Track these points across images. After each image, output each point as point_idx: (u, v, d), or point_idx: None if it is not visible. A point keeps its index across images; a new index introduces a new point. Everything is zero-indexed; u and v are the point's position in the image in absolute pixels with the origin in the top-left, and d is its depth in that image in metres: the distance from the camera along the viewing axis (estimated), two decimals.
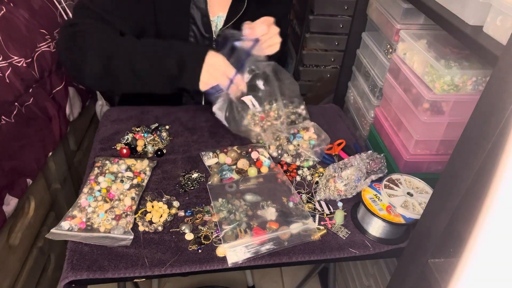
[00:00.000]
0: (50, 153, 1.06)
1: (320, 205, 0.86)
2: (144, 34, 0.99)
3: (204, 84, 0.92)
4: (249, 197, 0.84)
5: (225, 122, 1.00)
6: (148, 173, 0.89)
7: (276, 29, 0.96)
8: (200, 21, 1.03)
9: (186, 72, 0.90)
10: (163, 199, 0.83)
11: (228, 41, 0.96)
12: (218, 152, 0.96)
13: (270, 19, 0.96)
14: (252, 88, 1.02)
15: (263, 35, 0.94)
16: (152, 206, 0.81)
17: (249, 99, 0.99)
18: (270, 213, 0.81)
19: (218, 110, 0.99)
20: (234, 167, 0.93)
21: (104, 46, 0.88)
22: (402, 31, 0.94)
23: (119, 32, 0.94)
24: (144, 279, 0.71)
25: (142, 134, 1.00)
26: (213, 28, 1.06)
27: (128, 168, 0.89)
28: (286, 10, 1.27)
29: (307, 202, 0.87)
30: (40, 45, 1.02)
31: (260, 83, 1.02)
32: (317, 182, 0.91)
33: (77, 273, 0.68)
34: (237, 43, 0.95)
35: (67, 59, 0.92)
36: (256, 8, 1.07)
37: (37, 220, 1.04)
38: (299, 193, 0.88)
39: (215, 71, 0.91)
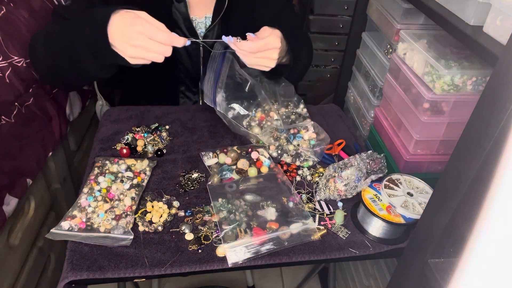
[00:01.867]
0: (50, 153, 1.06)
1: (320, 205, 0.86)
2: None
3: (129, 58, 0.77)
4: (249, 197, 0.84)
5: (224, 114, 0.98)
6: (148, 173, 0.89)
7: (272, 55, 0.88)
8: (183, 25, 1.02)
9: (96, 50, 0.78)
10: (163, 199, 0.83)
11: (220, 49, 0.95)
12: (218, 152, 0.96)
13: (272, 44, 0.87)
14: (249, 96, 1.02)
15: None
16: (152, 206, 0.81)
17: (237, 106, 0.99)
18: (270, 213, 0.81)
19: (219, 104, 0.98)
20: (234, 167, 0.93)
21: (45, 41, 0.87)
22: (402, 31, 0.94)
23: None
24: (144, 279, 0.72)
25: (142, 134, 1.00)
26: (201, 29, 1.05)
27: (128, 168, 0.89)
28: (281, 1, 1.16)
29: (307, 202, 0.87)
30: None
31: (257, 91, 1.03)
32: (317, 182, 0.91)
33: (77, 273, 0.68)
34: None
35: (30, 60, 0.94)
36: (242, 3, 1.05)
37: (37, 220, 1.04)
38: (299, 193, 0.88)
39: (125, 38, 0.73)
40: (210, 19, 1.05)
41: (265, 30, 0.88)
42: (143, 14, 0.74)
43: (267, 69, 0.91)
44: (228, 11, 1.02)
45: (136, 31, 0.72)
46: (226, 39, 0.85)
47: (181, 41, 0.76)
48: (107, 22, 0.74)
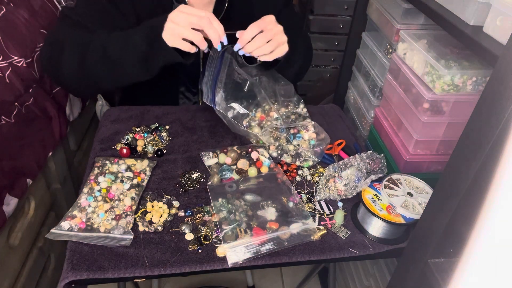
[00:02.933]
0: (50, 153, 1.06)
1: (320, 205, 0.86)
2: None
3: (176, 47, 0.84)
4: (249, 197, 0.84)
5: (224, 113, 0.98)
6: (148, 173, 0.89)
7: (277, 28, 0.90)
8: None
9: (154, 42, 0.85)
10: (163, 199, 0.83)
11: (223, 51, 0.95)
12: (218, 152, 0.96)
13: (269, 18, 0.90)
14: (248, 95, 1.02)
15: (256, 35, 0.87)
16: (152, 206, 0.81)
17: (236, 106, 0.99)
18: (270, 213, 0.81)
19: (218, 103, 0.98)
20: (234, 167, 0.93)
21: (79, 42, 0.89)
22: (402, 31, 0.94)
23: None
24: (144, 279, 0.71)
25: (142, 134, 1.00)
26: None
27: (128, 168, 0.89)
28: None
29: (307, 202, 0.87)
30: (40, 45, 1.01)
31: (256, 90, 1.03)
32: (317, 182, 0.91)
33: (77, 273, 0.68)
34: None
35: (47, 62, 0.95)
36: (242, 4, 1.05)
37: (37, 220, 1.04)
38: (299, 193, 0.88)
39: (175, 26, 0.82)
40: None
41: (256, 22, 0.88)
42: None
43: (283, 54, 0.92)
44: (228, 12, 1.02)
45: (177, 12, 0.83)
46: (236, 47, 0.88)
47: (220, 28, 0.84)
48: (162, 29, 0.83)
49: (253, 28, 0.86)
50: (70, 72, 0.92)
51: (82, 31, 0.92)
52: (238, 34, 0.87)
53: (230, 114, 0.99)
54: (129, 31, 0.88)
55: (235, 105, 0.99)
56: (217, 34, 0.83)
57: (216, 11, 1.02)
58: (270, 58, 0.90)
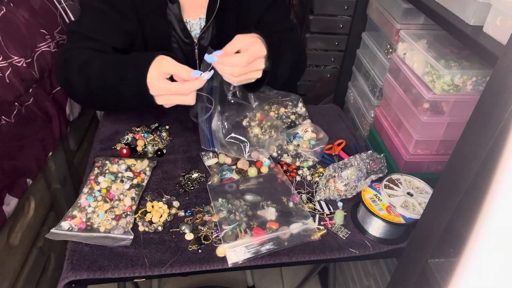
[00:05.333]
0: (50, 153, 1.06)
1: (320, 205, 0.86)
2: (134, 44, 1.01)
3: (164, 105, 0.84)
4: (249, 197, 0.84)
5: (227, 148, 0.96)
6: (148, 173, 0.89)
7: (259, 66, 0.83)
8: (177, 26, 1.03)
9: (145, 100, 0.83)
10: (163, 199, 0.83)
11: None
12: (218, 152, 0.96)
13: (259, 53, 0.82)
14: (244, 106, 1.02)
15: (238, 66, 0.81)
16: (152, 206, 0.81)
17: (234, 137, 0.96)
18: (270, 213, 0.81)
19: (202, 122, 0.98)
20: (234, 167, 0.93)
21: (83, 71, 0.89)
22: (402, 31, 0.94)
23: (110, 47, 0.96)
24: (144, 279, 0.72)
25: (142, 134, 1.00)
26: (196, 31, 1.05)
27: (128, 168, 0.89)
28: None
29: (307, 202, 0.87)
30: (40, 45, 1.01)
31: (251, 99, 1.02)
32: (317, 182, 0.91)
33: (77, 273, 0.68)
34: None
35: (62, 85, 0.98)
36: (234, 3, 1.03)
37: (37, 220, 1.04)
38: (299, 193, 0.88)
39: (165, 99, 0.82)
40: (204, 21, 1.04)
41: (238, 40, 0.82)
42: (166, 65, 0.80)
43: (253, 80, 0.86)
44: (221, 11, 1.02)
45: (161, 87, 0.80)
46: (208, 58, 0.80)
47: (201, 82, 0.79)
48: (146, 77, 0.81)
49: (241, 59, 0.80)
50: (82, 97, 0.95)
51: (90, 48, 0.93)
52: (223, 52, 0.81)
53: (232, 150, 0.96)
54: (118, 82, 0.85)
55: (233, 136, 0.97)
56: (184, 100, 0.81)
57: (210, 11, 1.02)
58: (234, 83, 0.86)
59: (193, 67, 1.10)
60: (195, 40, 1.04)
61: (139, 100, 0.86)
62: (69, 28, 0.99)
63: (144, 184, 0.86)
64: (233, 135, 0.96)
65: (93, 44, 0.93)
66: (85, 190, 0.83)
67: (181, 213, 0.81)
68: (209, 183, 0.88)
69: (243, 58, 0.80)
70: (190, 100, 0.80)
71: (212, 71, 0.79)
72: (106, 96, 0.90)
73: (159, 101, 0.82)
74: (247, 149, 0.94)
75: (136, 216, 0.79)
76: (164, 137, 1.00)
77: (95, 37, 0.94)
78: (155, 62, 0.81)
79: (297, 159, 0.97)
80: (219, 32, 1.04)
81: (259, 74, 0.85)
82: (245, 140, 0.95)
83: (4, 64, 0.89)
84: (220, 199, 0.83)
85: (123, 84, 0.84)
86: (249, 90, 0.97)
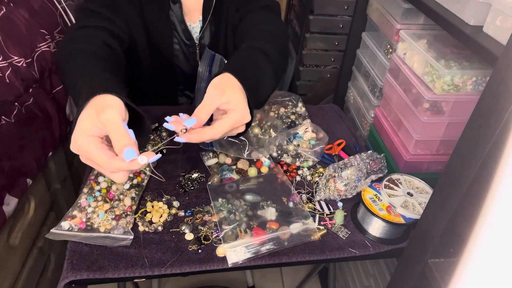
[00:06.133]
0: (50, 153, 1.06)
1: (320, 205, 0.86)
2: (137, 42, 1.00)
3: None
4: (249, 197, 0.84)
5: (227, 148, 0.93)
6: (148, 173, 0.89)
7: (240, 129, 0.71)
8: (179, 27, 1.02)
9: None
10: (163, 199, 0.83)
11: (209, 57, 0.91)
12: (218, 152, 0.96)
13: (239, 122, 0.68)
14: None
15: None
16: (152, 206, 0.81)
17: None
18: (270, 213, 0.81)
19: None
20: (234, 167, 0.93)
21: (63, 67, 0.79)
22: (402, 31, 0.94)
23: (117, 28, 0.91)
24: (144, 279, 0.71)
25: None
26: (197, 34, 1.05)
27: None
28: None
29: (307, 202, 0.87)
30: (40, 45, 1.01)
31: None
32: (317, 182, 0.91)
33: (77, 273, 0.68)
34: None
35: (57, 54, 0.88)
36: (228, 1, 1.02)
37: (37, 220, 1.03)
38: (299, 193, 0.88)
39: (78, 150, 0.59)
40: (202, 22, 1.05)
41: (212, 96, 0.66)
42: (107, 119, 0.58)
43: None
44: (216, 11, 1.02)
45: (82, 148, 0.59)
46: (177, 139, 0.66)
47: (135, 167, 0.58)
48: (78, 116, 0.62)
49: (216, 133, 0.66)
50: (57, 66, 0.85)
51: (94, 27, 0.87)
52: (198, 119, 0.66)
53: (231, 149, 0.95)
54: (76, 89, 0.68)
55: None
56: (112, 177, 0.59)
57: (205, 12, 1.02)
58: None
59: (195, 68, 1.11)
60: (196, 42, 1.04)
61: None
62: (78, 7, 0.94)
63: (144, 184, 0.86)
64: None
65: (103, 22, 0.89)
66: (85, 190, 0.83)
67: (181, 213, 0.81)
68: (209, 183, 0.88)
69: (219, 131, 0.66)
70: (120, 178, 0.59)
71: (158, 156, 0.60)
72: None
73: (81, 159, 0.61)
74: (246, 148, 0.94)
75: (136, 216, 0.79)
76: (164, 137, 1.00)
77: (106, 14, 0.90)
78: (95, 106, 0.59)
79: (297, 159, 0.97)
80: (217, 31, 1.05)
81: (242, 129, 0.71)
82: (244, 139, 0.95)
83: (4, 64, 0.89)
84: (220, 199, 0.83)
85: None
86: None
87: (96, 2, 0.93)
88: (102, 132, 0.58)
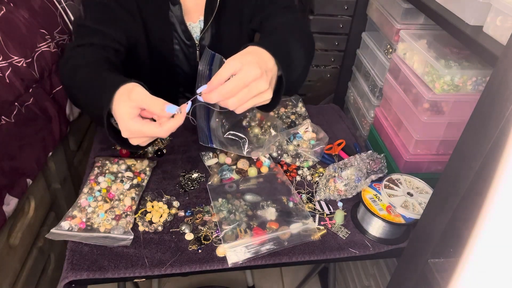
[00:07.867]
0: (50, 153, 1.06)
1: (320, 205, 0.86)
2: (136, 46, 1.00)
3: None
4: (249, 197, 0.84)
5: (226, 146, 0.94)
6: (148, 173, 0.89)
7: (258, 89, 0.67)
8: (179, 28, 1.02)
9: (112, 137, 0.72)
10: (163, 199, 0.83)
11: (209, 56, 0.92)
12: (218, 152, 0.96)
13: (246, 78, 0.66)
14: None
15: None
16: (152, 206, 0.81)
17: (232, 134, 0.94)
18: (270, 213, 0.81)
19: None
20: (234, 167, 0.93)
21: (70, 85, 0.85)
22: (402, 31, 0.94)
23: (116, 43, 0.93)
24: (144, 279, 0.72)
25: None
26: (197, 34, 1.05)
27: (128, 168, 0.89)
28: None
29: (307, 202, 0.86)
30: (40, 45, 1.01)
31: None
32: (317, 182, 0.91)
33: (77, 273, 0.68)
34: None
35: (61, 83, 0.97)
36: (233, 2, 1.02)
37: (37, 220, 1.03)
38: (299, 193, 0.88)
39: (130, 134, 0.67)
40: (203, 22, 1.04)
41: (228, 65, 0.67)
42: (137, 97, 0.65)
43: (262, 104, 0.71)
44: (219, 12, 1.02)
45: (133, 130, 0.66)
46: (200, 97, 0.68)
47: (181, 119, 0.66)
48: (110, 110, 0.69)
49: (225, 90, 0.66)
50: (70, 98, 0.93)
51: (94, 45, 0.89)
52: (209, 84, 0.67)
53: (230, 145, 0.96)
54: (90, 109, 0.76)
55: (230, 134, 0.96)
56: (178, 124, 0.66)
57: (208, 12, 1.02)
58: (236, 112, 0.71)
59: (195, 69, 1.11)
60: (197, 42, 1.04)
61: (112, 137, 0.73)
62: (76, 23, 0.97)
63: (144, 184, 0.86)
64: (232, 132, 0.96)
65: (99, 39, 0.90)
66: (85, 190, 0.83)
67: (181, 213, 0.81)
68: (209, 183, 0.88)
69: (227, 88, 0.65)
70: (165, 133, 0.66)
71: (190, 103, 0.66)
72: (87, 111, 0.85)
73: (133, 142, 0.69)
74: (245, 146, 0.94)
75: (136, 216, 0.79)
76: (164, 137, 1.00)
77: (102, 29, 0.92)
78: (123, 94, 0.66)
79: (297, 159, 0.97)
80: (218, 32, 1.04)
81: (268, 95, 0.69)
82: (244, 136, 0.95)
83: (4, 64, 0.89)
84: (220, 199, 0.83)
85: (91, 112, 0.75)
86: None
87: (93, 16, 0.94)
88: (137, 111, 0.65)
